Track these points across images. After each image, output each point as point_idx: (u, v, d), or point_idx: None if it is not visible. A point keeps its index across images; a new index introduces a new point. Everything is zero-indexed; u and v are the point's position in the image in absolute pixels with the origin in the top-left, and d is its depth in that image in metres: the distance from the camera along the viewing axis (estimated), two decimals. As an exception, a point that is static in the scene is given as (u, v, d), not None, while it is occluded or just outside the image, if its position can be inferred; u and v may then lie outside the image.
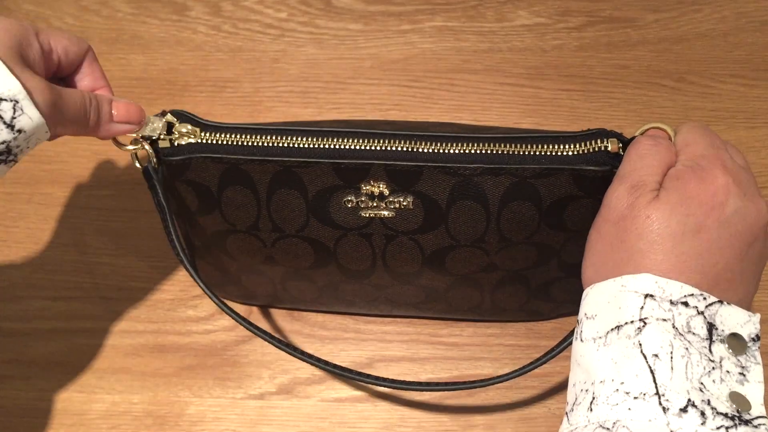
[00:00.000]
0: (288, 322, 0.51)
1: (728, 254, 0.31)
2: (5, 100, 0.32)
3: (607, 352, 0.30)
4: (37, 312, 0.52)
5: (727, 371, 0.29)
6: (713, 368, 0.29)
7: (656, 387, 0.28)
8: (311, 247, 0.43)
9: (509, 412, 0.47)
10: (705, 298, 0.30)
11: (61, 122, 0.35)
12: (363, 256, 0.43)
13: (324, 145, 0.38)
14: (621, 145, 0.37)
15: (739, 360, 0.30)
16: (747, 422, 0.28)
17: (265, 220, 0.42)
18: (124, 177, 0.58)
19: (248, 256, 0.44)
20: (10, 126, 0.32)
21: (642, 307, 0.30)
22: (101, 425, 0.47)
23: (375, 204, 0.40)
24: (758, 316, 0.31)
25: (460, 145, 0.38)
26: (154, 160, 0.40)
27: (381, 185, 0.39)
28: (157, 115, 0.40)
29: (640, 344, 0.29)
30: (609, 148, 0.37)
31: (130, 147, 0.40)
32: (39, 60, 0.36)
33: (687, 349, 0.29)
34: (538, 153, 0.38)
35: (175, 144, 0.39)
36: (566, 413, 0.32)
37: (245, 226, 0.42)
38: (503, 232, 0.40)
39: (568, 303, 0.48)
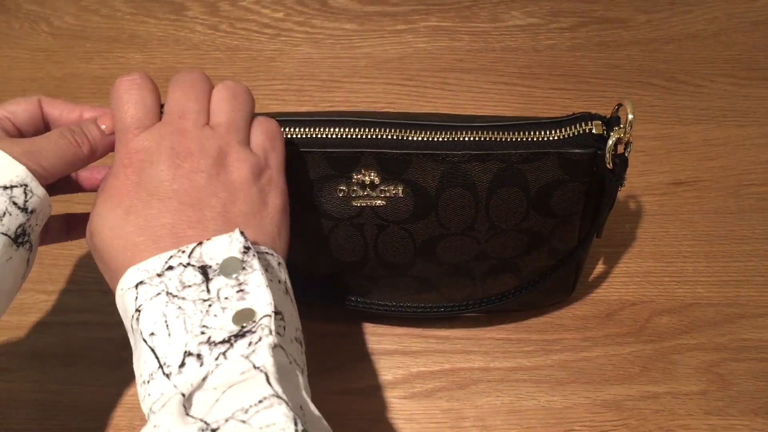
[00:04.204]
0: (282, 315, 0.52)
1: (169, 209, 0.33)
2: (16, 186, 0.33)
3: (135, 353, 0.31)
4: (35, 305, 0.52)
5: (226, 298, 0.30)
6: (210, 305, 0.30)
7: (158, 361, 0.29)
8: (303, 239, 0.43)
9: (499, 405, 0.47)
10: (183, 251, 0.31)
11: (54, 170, 0.35)
12: (355, 247, 0.43)
13: (316, 134, 0.39)
14: (605, 127, 0.38)
15: (238, 279, 0.31)
16: (245, 334, 0.29)
17: None
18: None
19: None
20: (25, 209, 0.34)
21: (136, 298, 0.31)
22: (96, 417, 0.48)
23: (366, 193, 0.41)
24: (237, 231, 0.32)
25: (448, 133, 0.39)
26: None
27: (372, 174, 0.40)
28: None
29: (141, 332, 0.30)
30: (593, 131, 0.38)
31: None
32: None
33: (180, 307, 0.30)
34: (524, 139, 0.39)
35: None
36: None
37: None
38: (492, 220, 0.41)
39: (560, 291, 0.48)
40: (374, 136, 0.39)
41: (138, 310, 0.31)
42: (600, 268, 0.53)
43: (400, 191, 0.40)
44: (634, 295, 0.52)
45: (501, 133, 0.39)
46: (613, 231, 0.54)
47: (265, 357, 0.28)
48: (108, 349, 0.50)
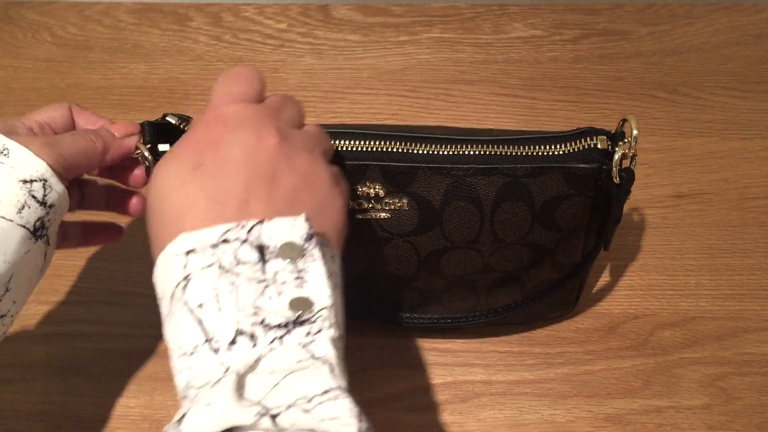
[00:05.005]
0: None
1: (240, 179, 0.32)
2: (36, 180, 0.35)
3: (171, 322, 0.30)
4: (37, 316, 0.52)
5: (283, 282, 0.29)
6: (266, 286, 0.29)
7: (206, 334, 0.28)
8: None
9: (502, 418, 0.47)
10: (243, 227, 0.30)
11: (72, 161, 0.37)
12: (359, 260, 0.43)
13: None
14: (610, 142, 0.38)
15: (297, 265, 0.30)
16: (303, 322, 0.29)
17: None
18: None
19: None
20: (43, 203, 0.36)
21: (185, 265, 0.30)
22: (98, 429, 0.48)
23: (371, 206, 0.41)
24: (302, 216, 0.30)
25: (453, 146, 0.39)
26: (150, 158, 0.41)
27: (377, 186, 0.40)
28: (159, 120, 0.41)
29: (187, 301, 0.29)
30: (599, 146, 0.38)
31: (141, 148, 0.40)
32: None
33: (233, 283, 0.29)
34: (529, 153, 0.39)
35: None
36: None
37: None
38: (497, 233, 0.41)
39: (563, 304, 0.48)
40: (379, 149, 0.39)
41: (186, 278, 0.29)
42: (603, 281, 0.53)
43: (405, 204, 0.40)
44: (637, 309, 0.52)
45: (506, 147, 0.39)
46: (616, 244, 0.54)
47: (327, 348, 0.28)
48: (110, 359, 0.50)
